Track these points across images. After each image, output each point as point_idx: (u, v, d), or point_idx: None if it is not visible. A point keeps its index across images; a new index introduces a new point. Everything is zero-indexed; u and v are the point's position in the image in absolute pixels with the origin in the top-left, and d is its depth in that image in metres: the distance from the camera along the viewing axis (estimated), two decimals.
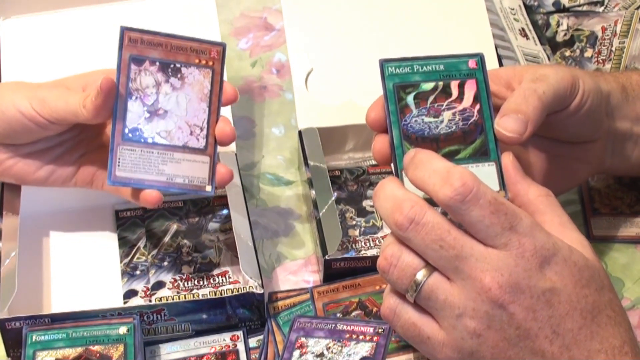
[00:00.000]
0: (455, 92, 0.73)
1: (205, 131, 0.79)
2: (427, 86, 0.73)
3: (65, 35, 0.94)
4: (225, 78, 0.92)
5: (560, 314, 0.65)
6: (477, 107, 0.73)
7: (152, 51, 0.78)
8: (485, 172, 0.71)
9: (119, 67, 0.77)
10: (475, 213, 0.65)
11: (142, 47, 0.77)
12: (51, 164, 0.82)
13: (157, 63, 0.78)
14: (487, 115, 0.72)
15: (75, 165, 0.83)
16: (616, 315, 0.66)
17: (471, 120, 0.72)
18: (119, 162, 0.77)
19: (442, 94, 0.73)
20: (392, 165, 0.72)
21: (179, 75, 0.78)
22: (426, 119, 0.72)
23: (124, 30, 0.77)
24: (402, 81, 0.73)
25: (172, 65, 0.78)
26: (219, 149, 0.80)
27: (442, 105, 0.73)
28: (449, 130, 0.72)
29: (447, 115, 0.72)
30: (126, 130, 0.77)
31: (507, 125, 0.72)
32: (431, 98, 0.73)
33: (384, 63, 0.73)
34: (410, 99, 0.72)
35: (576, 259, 0.66)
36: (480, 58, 0.74)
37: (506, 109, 0.72)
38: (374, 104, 0.74)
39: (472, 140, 0.72)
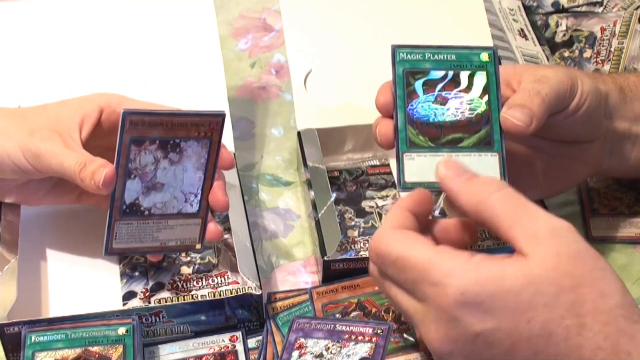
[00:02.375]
0: (464, 82, 0.74)
1: (199, 196, 0.79)
2: (437, 74, 0.74)
3: (56, 21, 0.93)
4: (224, 81, 0.93)
5: (505, 350, 0.63)
6: (486, 98, 0.73)
7: (153, 131, 0.76)
8: (488, 162, 0.72)
9: (119, 150, 0.75)
10: (391, 273, 0.68)
11: (143, 129, 0.76)
12: (52, 190, 0.82)
13: (157, 141, 0.76)
14: (495, 107, 0.73)
15: (77, 190, 0.82)
16: (582, 316, 0.62)
17: (478, 111, 0.73)
18: (115, 235, 0.77)
19: (451, 82, 0.74)
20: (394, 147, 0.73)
21: (177, 150, 0.77)
22: (432, 106, 0.73)
23: (125, 114, 0.75)
24: (412, 67, 0.74)
25: (171, 142, 0.77)
26: None
27: (450, 94, 0.73)
28: (455, 118, 0.73)
29: (454, 103, 0.73)
30: (124, 207, 0.77)
31: (515, 114, 0.72)
32: (440, 86, 0.74)
33: (396, 48, 0.74)
34: (418, 84, 0.73)
35: (510, 285, 0.63)
36: (493, 51, 0.75)
37: (512, 104, 0.73)
38: (382, 87, 0.75)
39: (477, 130, 0.73)
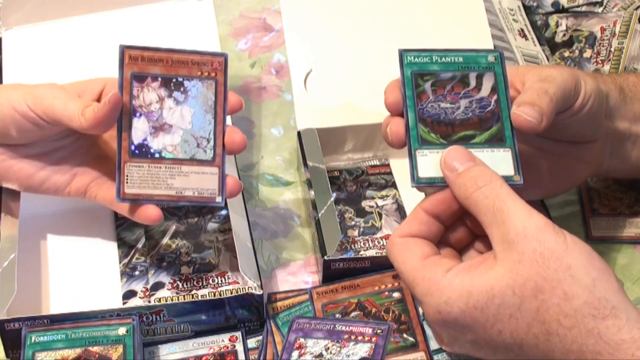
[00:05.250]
0: (473, 82, 0.75)
1: (212, 142, 0.78)
2: (445, 75, 0.75)
3: (65, 44, 0.94)
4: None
5: (491, 353, 0.67)
6: (495, 97, 0.74)
7: (154, 67, 0.77)
8: (501, 157, 0.73)
9: (121, 85, 0.76)
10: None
11: (142, 64, 0.77)
12: (48, 169, 0.82)
13: (159, 79, 0.77)
14: (505, 105, 0.74)
15: (71, 174, 0.82)
16: (547, 322, 0.64)
17: (488, 109, 0.74)
18: (127, 179, 0.76)
19: (460, 83, 0.75)
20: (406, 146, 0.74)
21: (181, 89, 0.78)
22: (442, 105, 0.74)
23: (123, 48, 0.77)
24: (421, 69, 0.75)
25: (174, 80, 0.78)
26: None
27: (460, 94, 0.75)
28: (465, 116, 0.74)
29: (463, 102, 0.74)
30: (132, 147, 0.77)
31: (526, 111, 0.73)
32: (449, 86, 0.75)
33: (403, 52, 0.75)
34: (427, 85, 0.75)
35: (476, 301, 0.66)
36: (500, 54, 0.76)
37: (521, 102, 0.73)
38: (389, 87, 0.75)
39: (488, 127, 0.74)
